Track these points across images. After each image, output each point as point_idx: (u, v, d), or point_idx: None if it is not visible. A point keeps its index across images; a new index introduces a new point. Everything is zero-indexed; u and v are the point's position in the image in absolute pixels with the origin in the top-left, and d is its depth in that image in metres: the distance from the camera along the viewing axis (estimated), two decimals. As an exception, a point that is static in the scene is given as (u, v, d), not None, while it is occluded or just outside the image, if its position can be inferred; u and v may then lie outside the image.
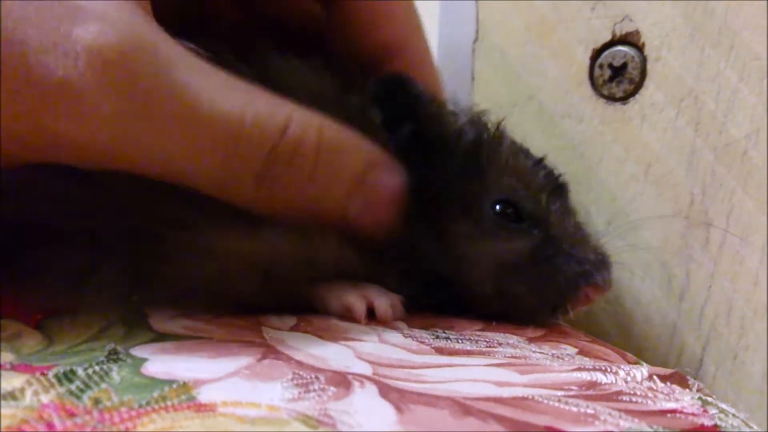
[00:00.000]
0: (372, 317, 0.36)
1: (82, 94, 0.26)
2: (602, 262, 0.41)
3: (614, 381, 0.29)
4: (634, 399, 0.26)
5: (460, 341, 0.34)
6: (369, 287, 0.37)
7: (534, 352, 0.33)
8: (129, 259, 0.33)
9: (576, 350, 0.35)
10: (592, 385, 0.28)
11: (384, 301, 0.36)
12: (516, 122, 0.45)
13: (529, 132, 0.49)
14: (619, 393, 0.27)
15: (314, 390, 0.24)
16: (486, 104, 0.45)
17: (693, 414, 0.25)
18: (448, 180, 0.39)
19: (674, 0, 0.48)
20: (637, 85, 0.50)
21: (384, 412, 0.23)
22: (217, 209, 0.32)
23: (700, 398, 0.28)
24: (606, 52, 0.51)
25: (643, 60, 0.50)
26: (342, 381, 0.26)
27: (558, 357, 0.33)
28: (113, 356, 0.27)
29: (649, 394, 0.27)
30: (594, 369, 0.30)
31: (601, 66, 0.51)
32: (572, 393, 0.26)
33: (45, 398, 0.22)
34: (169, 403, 0.22)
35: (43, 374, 0.24)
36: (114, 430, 0.20)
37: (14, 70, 0.26)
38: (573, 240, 0.41)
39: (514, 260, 0.40)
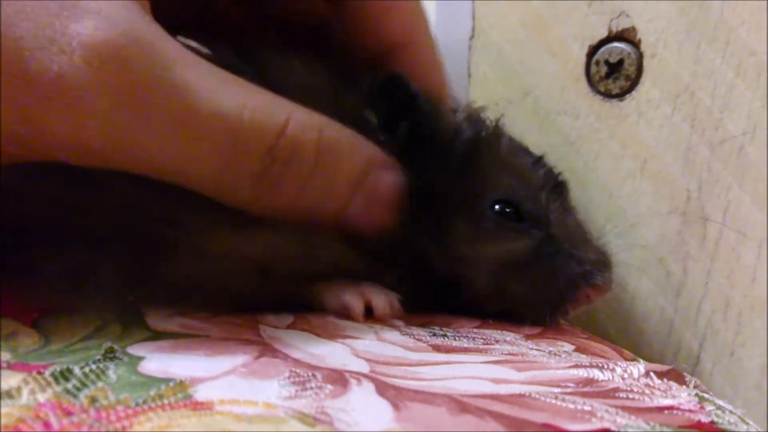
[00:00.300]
0: (369, 315, 0.36)
1: (78, 91, 0.26)
2: (603, 262, 0.41)
3: (611, 378, 0.29)
4: (631, 396, 0.26)
5: (457, 339, 0.34)
6: (366, 285, 0.37)
7: (531, 349, 0.33)
8: (126, 259, 0.33)
9: (573, 347, 0.35)
10: (589, 382, 0.28)
11: (382, 300, 0.36)
12: (512, 119, 0.45)
13: (525, 129, 0.49)
14: (616, 390, 0.27)
15: (311, 388, 0.24)
16: (482, 101, 0.45)
17: (690, 410, 0.26)
18: (446, 179, 0.39)
19: (670, -4, 0.48)
20: (634, 82, 0.50)
21: (381, 409, 0.23)
22: (215, 209, 0.32)
23: (697, 395, 0.28)
24: (602, 49, 0.51)
25: (640, 56, 0.50)
26: (339, 379, 0.26)
27: (555, 354, 0.33)
28: (110, 355, 0.27)
29: (646, 391, 0.27)
30: (591, 366, 0.30)
31: (597, 62, 0.51)
32: (569, 390, 0.26)
33: (42, 397, 0.22)
34: (165, 401, 0.22)
35: (39, 373, 0.24)
36: (111, 429, 0.20)
37: (10, 65, 0.26)
38: (573, 239, 0.41)
39: (514, 260, 0.39)
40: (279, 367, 0.26)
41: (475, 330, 0.37)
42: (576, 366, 0.30)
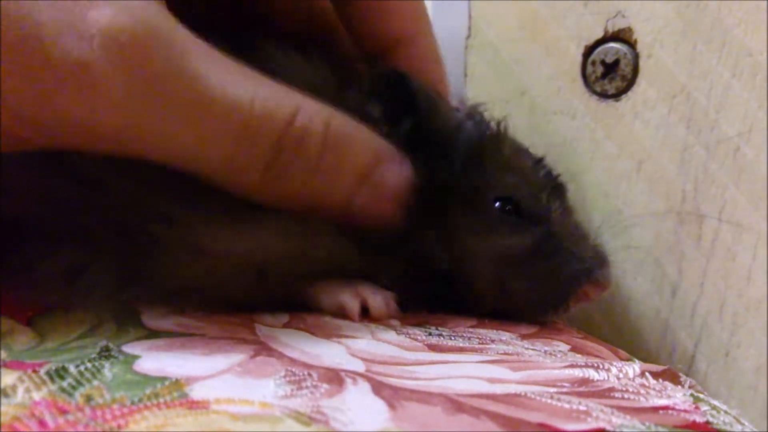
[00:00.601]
0: (366, 315, 0.36)
1: (96, 76, 0.27)
2: (602, 261, 0.42)
3: (606, 378, 0.29)
4: (626, 396, 0.26)
5: (452, 338, 0.34)
6: (362, 285, 0.37)
7: (526, 348, 0.33)
8: (120, 257, 0.33)
9: (568, 347, 0.35)
10: (585, 381, 0.28)
11: (378, 299, 0.36)
12: (508, 118, 0.45)
13: (521, 128, 0.49)
14: (612, 390, 0.27)
15: (307, 387, 0.24)
16: (478, 100, 0.45)
17: (685, 411, 0.26)
18: (449, 175, 0.39)
19: (667, -3, 0.48)
20: (630, 82, 0.50)
21: (377, 409, 0.23)
22: (210, 207, 0.32)
23: (692, 395, 0.28)
24: (598, 49, 0.51)
25: (636, 57, 0.50)
26: (335, 378, 0.25)
27: (550, 354, 0.33)
28: (105, 353, 0.27)
29: (641, 391, 0.27)
30: (586, 366, 0.30)
31: (593, 63, 0.51)
32: (564, 390, 0.26)
33: (37, 395, 0.22)
34: (161, 400, 0.22)
35: (34, 371, 0.24)
36: (106, 428, 0.20)
37: (31, 50, 0.26)
38: (573, 238, 0.41)
39: (516, 255, 0.40)
40: (275, 366, 0.26)
41: (470, 329, 0.37)
42: (571, 366, 0.30)
